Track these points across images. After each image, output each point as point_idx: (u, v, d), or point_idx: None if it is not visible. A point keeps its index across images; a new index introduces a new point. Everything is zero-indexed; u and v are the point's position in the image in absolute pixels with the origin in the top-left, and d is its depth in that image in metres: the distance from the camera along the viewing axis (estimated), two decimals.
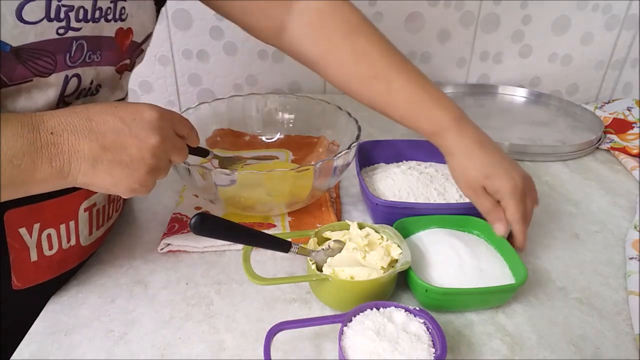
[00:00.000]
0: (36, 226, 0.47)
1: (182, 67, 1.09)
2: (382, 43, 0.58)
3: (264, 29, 0.60)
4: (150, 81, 1.11)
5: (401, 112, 0.57)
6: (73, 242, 0.51)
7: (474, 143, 0.55)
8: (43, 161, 0.38)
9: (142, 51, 0.52)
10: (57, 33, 0.41)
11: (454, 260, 0.53)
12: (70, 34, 0.42)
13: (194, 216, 0.44)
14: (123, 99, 0.55)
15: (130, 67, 0.52)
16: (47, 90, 0.42)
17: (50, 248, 0.49)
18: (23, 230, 0.46)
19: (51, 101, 0.43)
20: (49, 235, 0.48)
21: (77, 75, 0.44)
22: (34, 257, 0.48)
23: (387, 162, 0.74)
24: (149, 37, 0.52)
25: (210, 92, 1.13)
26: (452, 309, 0.52)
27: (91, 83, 0.46)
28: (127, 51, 0.49)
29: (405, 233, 0.58)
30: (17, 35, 0.38)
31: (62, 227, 0.49)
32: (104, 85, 0.48)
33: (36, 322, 0.50)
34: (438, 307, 0.51)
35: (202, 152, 0.56)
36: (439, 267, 0.53)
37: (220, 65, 1.09)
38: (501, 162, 0.54)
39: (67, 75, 0.43)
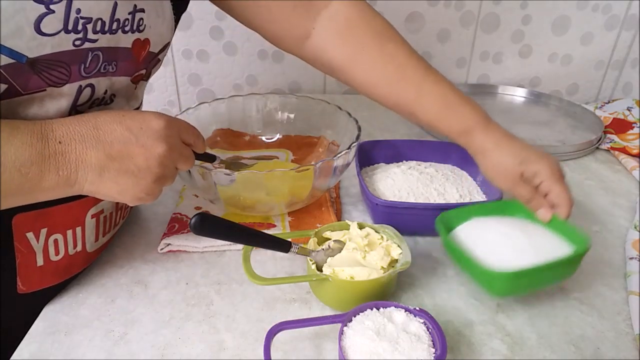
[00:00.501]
0: (43, 231, 0.47)
1: (182, 67, 1.09)
2: (407, 47, 0.58)
3: (288, 37, 0.59)
4: (150, 81, 1.10)
5: (432, 113, 0.57)
6: (79, 248, 0.52)
7: (503, 137, 0.56)
8: (50, 170, 0.38)
9: (159, 61, 0.52)
10: (74, 45, 0.41)
11: (506, 243, 0.51)
12: (87, 45, 0.42)
13: (194, 216, 0.44)
14: (138, 107, 0.55)
15: (146, 77, 0.51)
16: (60, 99, 0.42)
17: (57, 253, 0.49)
18: (30, 235, 0.46)
19: (63, 110, 0.43)
20: (55, 241, 0.49)
21: (91, 85, 0.44)
22: (40, 261, 0.48)
23: (387, 162, 0.74)
24: (166, 46, 0.51)
25: (210, 92, 1.13)
26: (523, 292, 0.52)
27: (105, 93, 0.46)
28: (143, 62, 0.49)
29: (449, 227, 0.56)
30: (34, 47, 0.38)
31: (69, 232, 0.50)
32: (119, 95, 0.48)
33: (36, 322, 0.50)
34: (509, 292, 0.51)
35: (209, 158, 0.56)
36: (493, 254, 0.50)
37: (220, 65, 1.09)
38: (531, 148, 0.55)
39: (80, 86, 0.43)
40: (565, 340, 0.48)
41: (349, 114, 0.69)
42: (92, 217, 0.51)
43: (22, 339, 0.48)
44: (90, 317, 0.50)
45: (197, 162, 0.57)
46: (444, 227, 0.55)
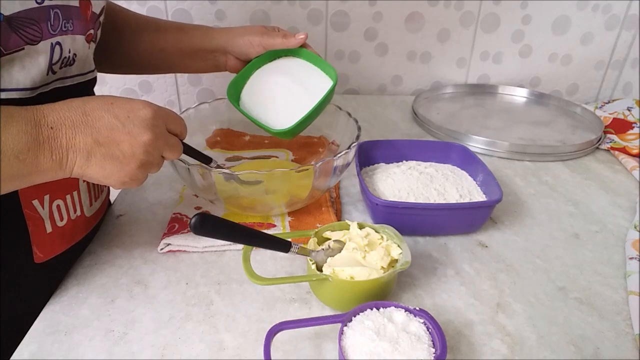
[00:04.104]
0: (46, 197, 0.50)
1: None
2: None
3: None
4: (150, 81, 1.11)
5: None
6: (79, 212, 0.56)
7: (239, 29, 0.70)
8: (45, 154, 0.40)
9: (100, 24, 0.57)
10: (37, 2, 0.44)
11: (284, 96, 0.64)
12: (46, 2, 0.45)
13: (194, 216, 0.44)
14: (95, 77, 0.58)
15: (94, 39, 0.56)
16: (38, 58, 0.45)
17: (61, 219, 0.53)
18: (36, 202, 0.50)
19: (42, 69, 0.46)
20: (58, 206, 0.52)
21: (59, 44, 0.47)
22: (48, 228, 0.52)
23: (387, 162, 0.74)
24: (103, 9, 0.57)
25: (210, 92, 1.13)
26: (306, 127, 0.64)
27: (69, 52, 0.50)
28: (90, 21, 0.53)
29: (238, 92, 0.67)
30: (6, 5, 0.41)
31: (68, 197, 0.54)
32: (78, 55, 0.52)
33: (36, 322, 0.50)
34: (295, 134, 0.64)
35: (204, 159, 0.57)
36: (276, 111, 0.64)
37: None
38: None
39: (52, 43, 0.46)
40: (565, 340, 0.48)
41: (349, 114, 0.69)
42: (84, 181, 0.56)
43: (22, 339, 0.48)
44: (90, 317, 0.50)
45: (196, 161, 0.57)
46: (234, 99, 0.66)
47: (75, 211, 0.55)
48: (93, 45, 0.56)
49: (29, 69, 0.44)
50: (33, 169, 0.40)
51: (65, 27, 0.48)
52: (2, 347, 0.49)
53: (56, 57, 0.47)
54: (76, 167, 0.42)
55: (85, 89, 0.56)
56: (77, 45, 0.51)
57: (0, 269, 0.49)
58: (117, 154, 0.43)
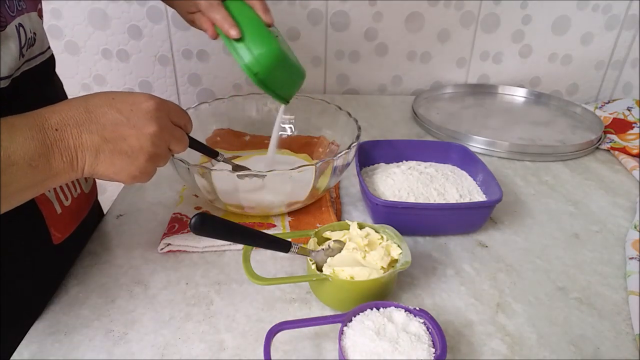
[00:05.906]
0: None
1: (182, 67, 1.09)
2: None
3: None
4: (150, 81, 1.11)
5: None
6: (79, 190, 0.59)
7: None
8: (55, 157, 0.40)
9: None
10: None
11: None
12: None
13: (194, 216, 0.44)
14: (52, 55, 0.57)
15: (42, 14, 0.55)
16: (8, 43, 0.45)
17: (66, 198, 0.55)
18: None
19: (15, 55, 0.46)
20: (61, 188, 0.55)
21: (22, 26, 0.48)
22: (58, 209, 0.54)
23: (387, 162, 0.74)
24: None
25: (210, 92, 1.13)
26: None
27: (30, 32, 0.50)
28: None
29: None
30: None
31: None
32: (37, 33, 0.52)
33: (36, 322, 0.50)
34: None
35: (211, 153, 0.57)
36: None
37: (220, 65, 1.09)
38: None
39: (16, 26, 0.46)
40: (565, 340, 0.48)
41: (349, 114, 0.69)
42: None
43: (22, 339, 0.48)
44: (90, 317, 0.50)
45: (197, 161, 0.57)
46: None
47: (76, 190, 0.57)
48: (43, 21, 0.56)
49: (2, 57, 0.44)
50: (47, 174, 0.40)
51: (20, 6, 0.48)
52: (2, 347, 0.49)
53: (23, 39, 0.47)
54: (87, 166, 0.42)
55: (48, 68, 0.56)
56: (34, 23, 0.51)
57: (24, 256, 0.51)
58: (125, 148, 0.43)
